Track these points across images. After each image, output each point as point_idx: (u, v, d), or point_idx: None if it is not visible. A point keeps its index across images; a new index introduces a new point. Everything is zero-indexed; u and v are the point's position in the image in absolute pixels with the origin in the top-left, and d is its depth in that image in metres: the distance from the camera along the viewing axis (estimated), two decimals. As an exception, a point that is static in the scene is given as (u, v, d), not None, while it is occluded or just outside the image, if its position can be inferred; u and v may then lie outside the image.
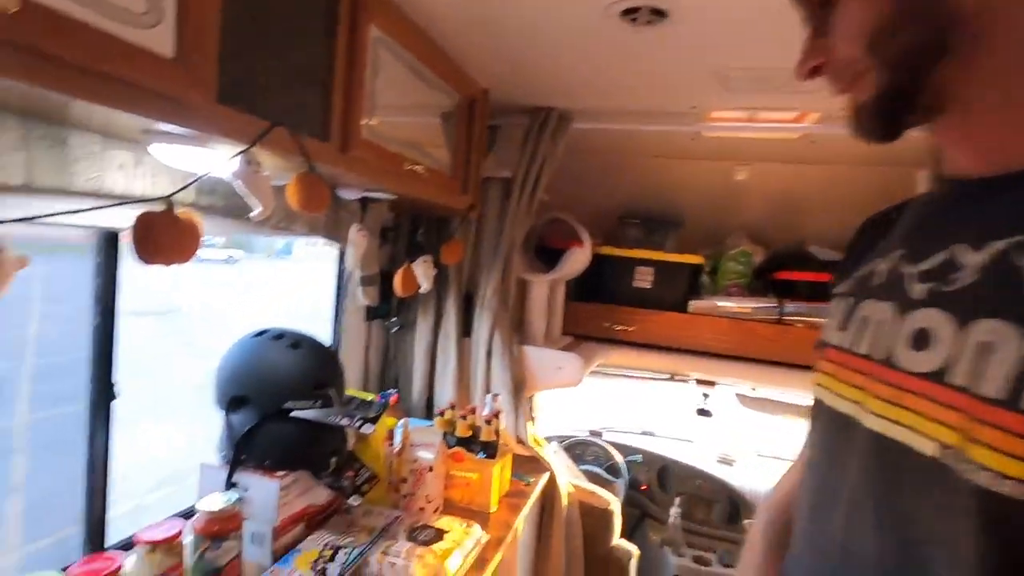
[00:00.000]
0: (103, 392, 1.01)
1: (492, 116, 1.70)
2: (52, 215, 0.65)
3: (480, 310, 1.70)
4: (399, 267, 1.49)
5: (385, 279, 1.67)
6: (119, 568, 0.76)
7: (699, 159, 2.06)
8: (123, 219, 0.94)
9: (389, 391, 1.68)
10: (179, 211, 0.74)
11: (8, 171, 0.74)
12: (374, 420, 1.05)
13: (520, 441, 1.64)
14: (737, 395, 2.24)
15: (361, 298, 1.55)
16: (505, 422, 1.55)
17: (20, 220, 0.62)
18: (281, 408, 1.01)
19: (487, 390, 1.65)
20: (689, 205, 2.15)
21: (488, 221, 1.75)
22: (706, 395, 2.37)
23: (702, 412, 2.39)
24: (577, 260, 1.81)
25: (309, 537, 1.04)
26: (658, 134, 1.82)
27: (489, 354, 1.67)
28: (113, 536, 1.05)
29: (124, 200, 0.82)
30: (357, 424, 1.03)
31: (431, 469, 1.19)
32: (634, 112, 1.66)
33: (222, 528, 0.90)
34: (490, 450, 1.29)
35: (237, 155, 0.82)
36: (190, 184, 0.81)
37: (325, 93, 0.99)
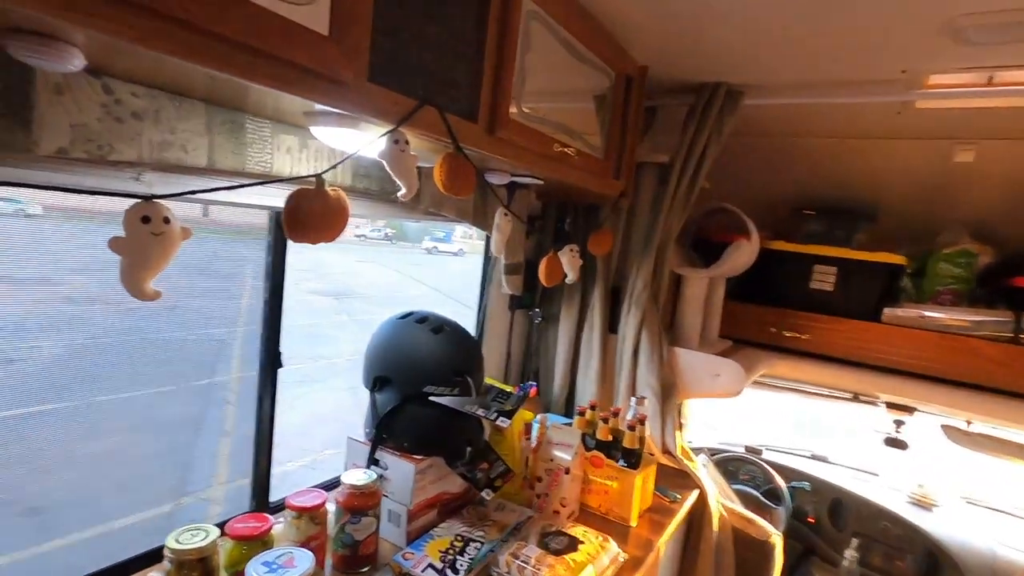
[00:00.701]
0: (271, 361, 1.09)
1: (649, 96, 1.56)
2: (214, 190, 0.67)
3: (628, 305, 1.58)
4: (545, 256, 1.43)
5: (530, 269, 1.62)
6: (269, 529, 0.80)
7: (904, 138, 1.70)
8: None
9: (529, 383, 1.63)
10: (329, 188, 0.74)
11: (196, 154, 0.80)
12: (511, 413, 1.00)
13: (666, 451, 1.49)
14: (943, 427, 1.82)
15: (505, 287, 1.52)
16: (650, 429, 1.41)
17: (196, 192, 0.65)
18: (421, 391, 1.00)
19: (632, 392, 1.53)
20: (886, 194, 1.79)
21: (640, 210, 1.62)
22: (900, 423, 1.97)
23: (893, 442, 1.99)
24: (742, 255, 1.60)
25: (441, 524, 1.02)
26: (849, 109, 1.52)
27: (636, 353, 1.54)
28: (288, 487, 1.12)
29: (281, 178, 0.85)
30: (493, 415, 0.98)
31: (568, 471, 1.11)
32: (821, 83, 1.40)
33: (362, 503, 0.91)
34: (632, 458, 1.17)
35: (385, 135, 0.81)
36: (339, 164, 0.82)
37: (474, 71, 0.95)
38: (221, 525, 0.80)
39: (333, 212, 0.73)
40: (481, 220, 1.38)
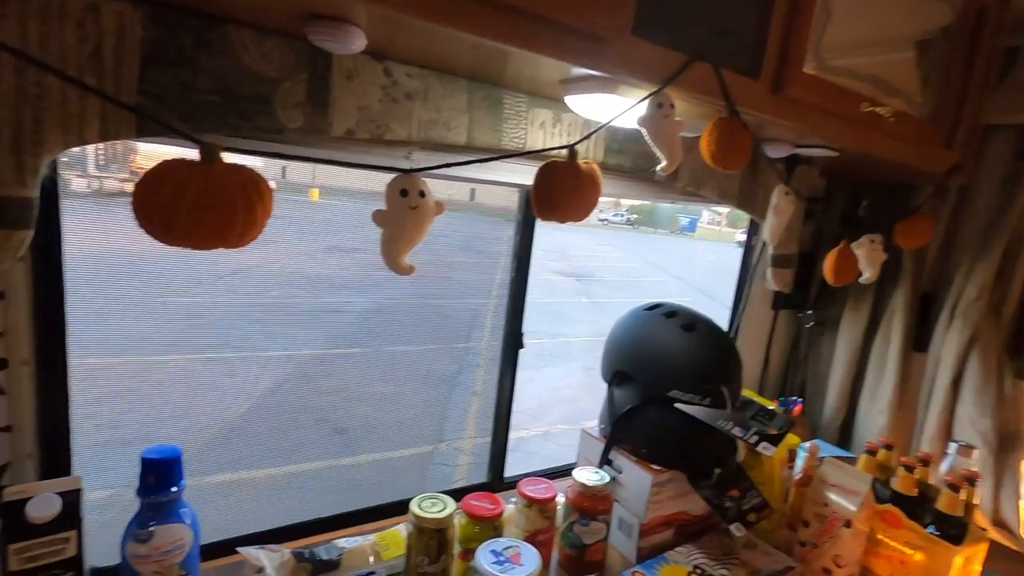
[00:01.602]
0: (513, 341, 1.08)
1: (1011, 32, 1.11)
2: (467, 162, 0.65)
3: (949, 318, 1.17)
4: (828, 247, 1.14)
5: (804, 262, 1.33)
6: (501, 514, 0.77)
7: None
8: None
9: (791, 399, 1.35)
10: (581, 161, 0.66)
11: (457, 132, 0.80)
12: (776, 439, 0.80)
13: (1000, 525, 1.07)
14: None
15: (770, 281, 1.27)
16: (981, 493, 1.03)
17: (450, 165, 0.64)
18: (665, 395, 0.87)
19: (947, 435, 1.14)
20: None
21: (980, 191, 1.18)
22: None
23: None
24: None
25: (678, 548, 0.88)
26: None
27: (957, 383, 1.14)
28: (521, 453, 1.13)
29: (533, 151, 0.80)
30: (753, 438, 0.80)
31: (849, 524, 0.86)
32: None
33: (592, 505, 0.83)
34: (951, 527, 0.85)
35: (646, 98, 0.69)
36: (593, 133, 0.72)
37: (759, 14, 0.76)
38: (458, 494, 0.81)
39: (585, 187, 0.64)
40: (748, 202, 1.17)
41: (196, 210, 0.43)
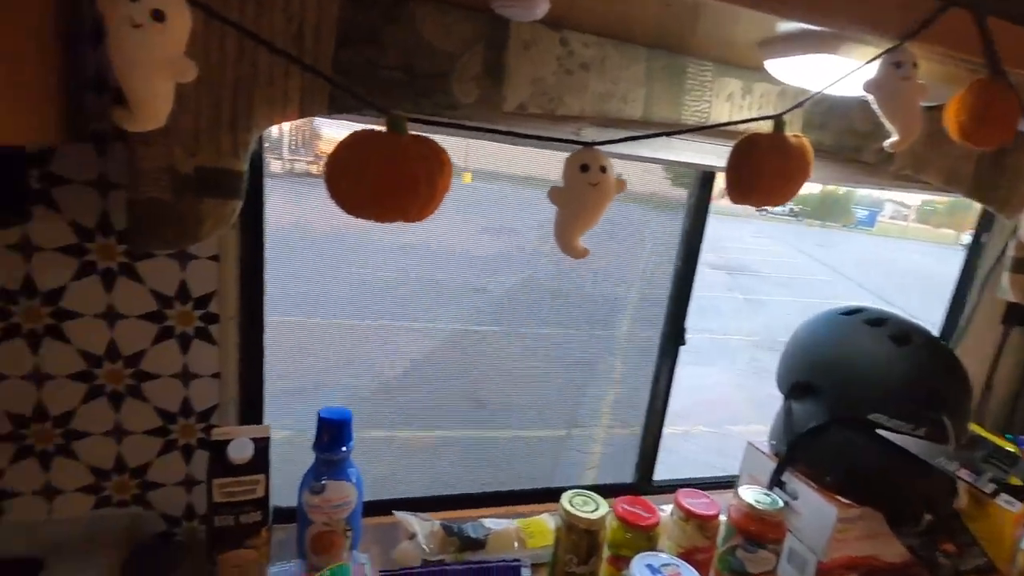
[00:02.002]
0: (674, 336, 0.99)
1: None
2: (653, 135, 0.58)
3: None
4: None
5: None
6: (656, 523, 0.71)
7: None
8: (720, 158, 0.85)
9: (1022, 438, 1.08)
10: (790, 135, 0.55)
11: (633, 105, 0.74)
12: (1022, 492, 0.63)
13: None
14: None
15: (1008, 291, 1.01)
16: None
17: (634, 138, 0.58)
18: (863, 417, 0.73)
19: None
20: None
21: None
22: None
23: None
24: None
25: (865, 599, 0.74)
26: None
27: None
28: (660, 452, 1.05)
29: (729, 123, 0.70)
30: (988, 487, 0.64)
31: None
32: None
33: (760, 531, 0.73)
34: None
35: (878, 56, 0.56)
36: (807, 100, 0.61)
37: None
38: (603, 491, 0.76)
39: (793, 165, 0.54)
40: (986, 189, 0.94)
41: (381, 179, 0.42)
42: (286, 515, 0.80)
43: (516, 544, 0.77)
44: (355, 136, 0.44)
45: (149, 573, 0.69)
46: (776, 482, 0.81)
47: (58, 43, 0.52)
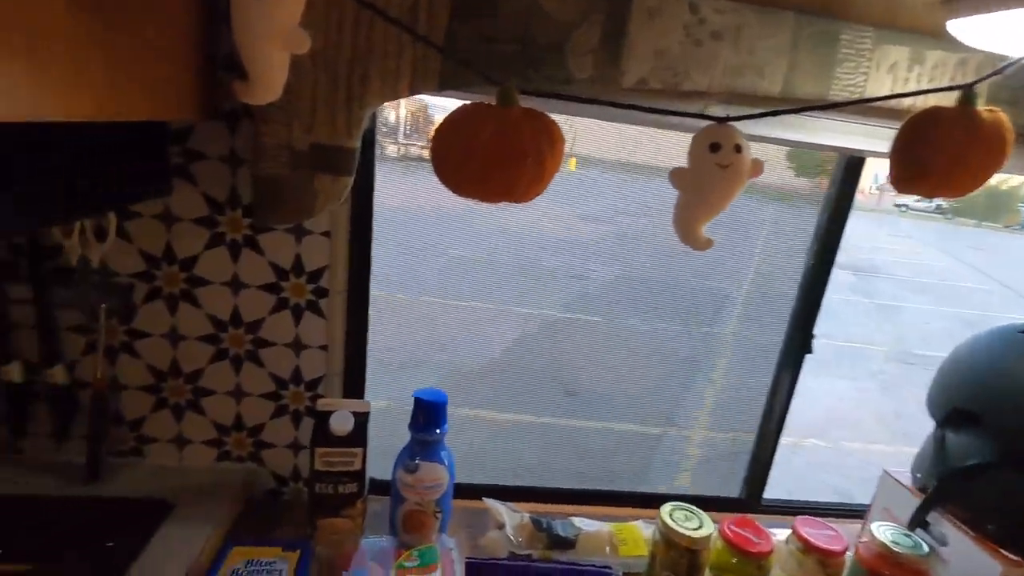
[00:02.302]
0: (800, 342, 0.88)
1: None
2: (802, 110, 0.50)
3: None
4: None
5: None
6: (769, 552, 0.63)
7: None
8: (875, 140, 0.73)
9: None
10: (983, 109, 0.45)
11: (771, 79, 0.65)
12: None
13: None
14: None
15: None
16: None
17: (777, 112, 0.50)
18: (1046, 460, 0.59)
19: None
20: None
21: None
22: None
23: None
24: None
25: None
26: None
27: None
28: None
29: (900, 94, 0.59)
30: None
31: None
32: None
33: (895, 576, 0.63)
34: None
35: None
36: (1005, 69, 0.49)
37: None
38: (705, 503, 0.69)
39: (986, 146, 0.43)
40: None
41: (489, 154, 0.40)
42: (383, 488, 0.82)
43: (608, 549, 0.72)
44: (463, 109, 0.42)
45: (259, 526, 0.73)
46: (920, 522, 0.69)
47: (197, 23, 0.55)
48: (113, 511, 0.68)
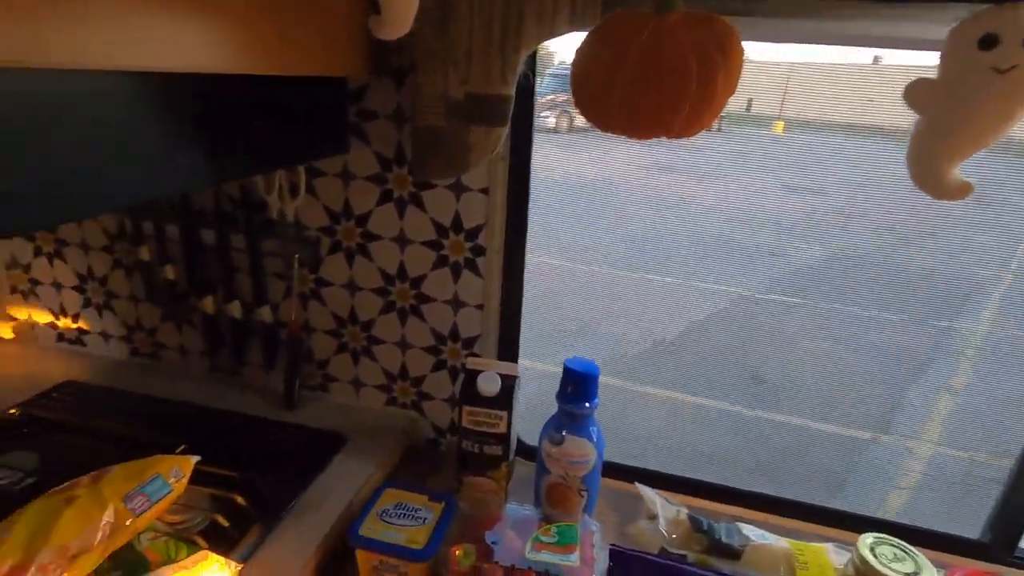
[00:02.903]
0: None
1: None
2: None
3: None
4: None
5: None
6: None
7: None
8: None
9: None
10: None
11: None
12: None
13: None
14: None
15: None
16: None
17: None
18: None
19: None
20: None
21: None
22: None
23: None
24: None
25: None
26: None
27: None
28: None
29: None
30: None
31: None
32: None
33: None
34: None
35: None
36: None
37: None
38: (919, 537, 0.53)
39: None
40: None
41: (640, 71, 0.31)
42: (531, 454, 0.80)
43: (783, 570, 0.60)
44: (609, 18, 0.34)
45: (417, 470, 0.77)
46: None
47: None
48: (301, 437, 0.77)
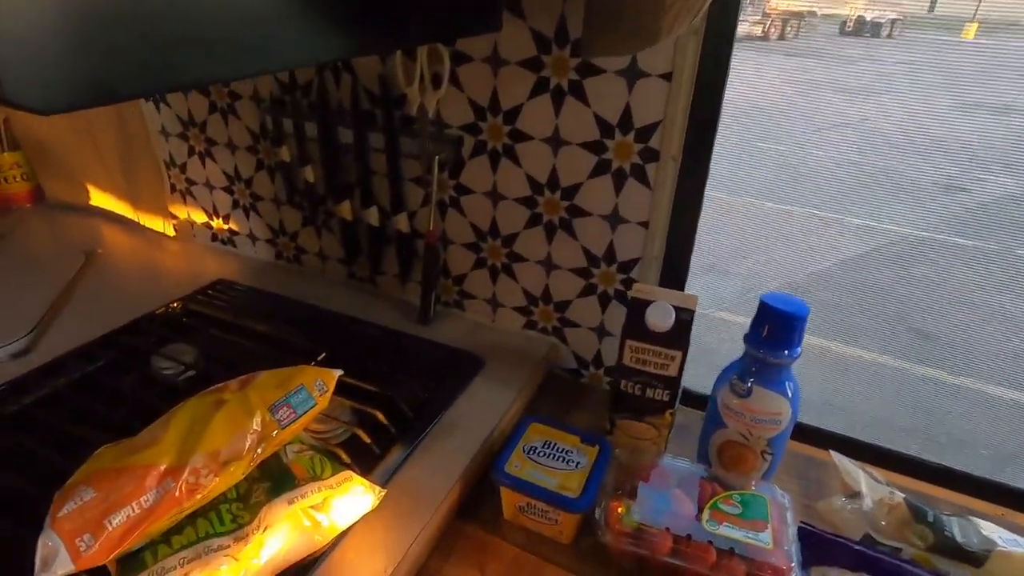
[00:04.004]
0: None
1: None
2: None
3: None
4: None
5: None
6: None
7: None
8: None
9: None
10: None
11: None
12: None
13: None
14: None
15: None
16: None
17: None
18: None
19: None
20: None
21: None
22: None
23: None
24: None
25: None
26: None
27: None
28: None
29: None
30: None
31: None
32: None
33: None
34: None
35: None
36: None
37: None
38: None
39: None
40: None
41: None
42: (692, 400, 0.68)
43: (1047, 590, 0.45)
44: None
45: (554, 401, 0.69)
46: None
47: None
48: (438, 355, 0.72)
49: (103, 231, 1.04)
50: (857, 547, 0.48)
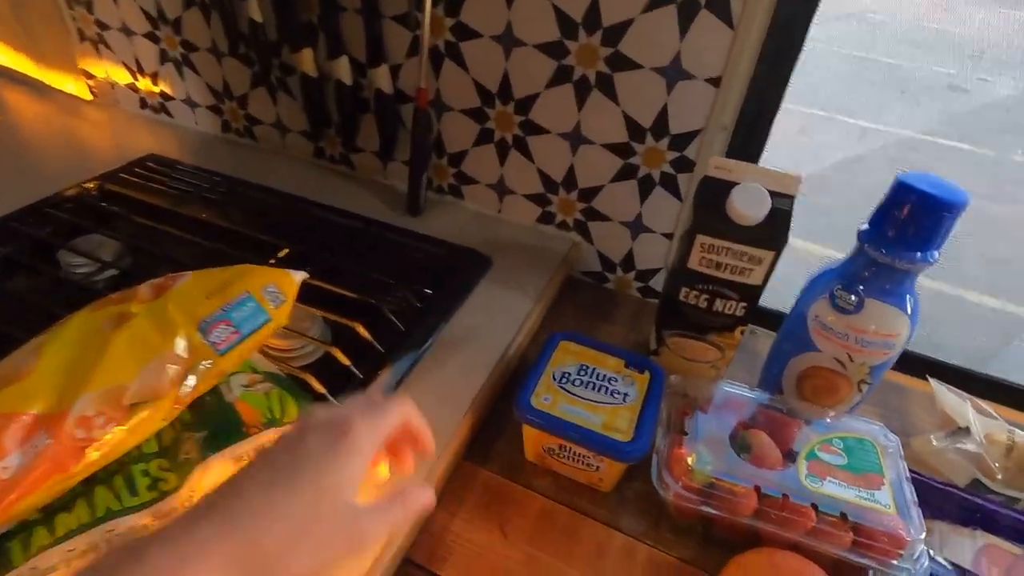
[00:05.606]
0: None
1: None
2: None
3: None
4: None
5: None
6: None
7: None
8: None
9: None
10: None
11: None
12: None
13: None
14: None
15: None
16: None
17: None
18: None
19: None
20: None
21: None
22: None
23: None
24: None
25: None
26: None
27: None
28: None
29: None
30: None
31: None
32: None
33: None
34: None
35: None
36: None
37: None
38: None
39: None
40: None
41: None
42: (761, 317, 0.55)
43: None
44: None
45: (575, 313, 0.56)
46: None
47: None
48: (434, 252, 0.56)
49: (3, 94, 0.82)
50: (973, 498, 0.38)
